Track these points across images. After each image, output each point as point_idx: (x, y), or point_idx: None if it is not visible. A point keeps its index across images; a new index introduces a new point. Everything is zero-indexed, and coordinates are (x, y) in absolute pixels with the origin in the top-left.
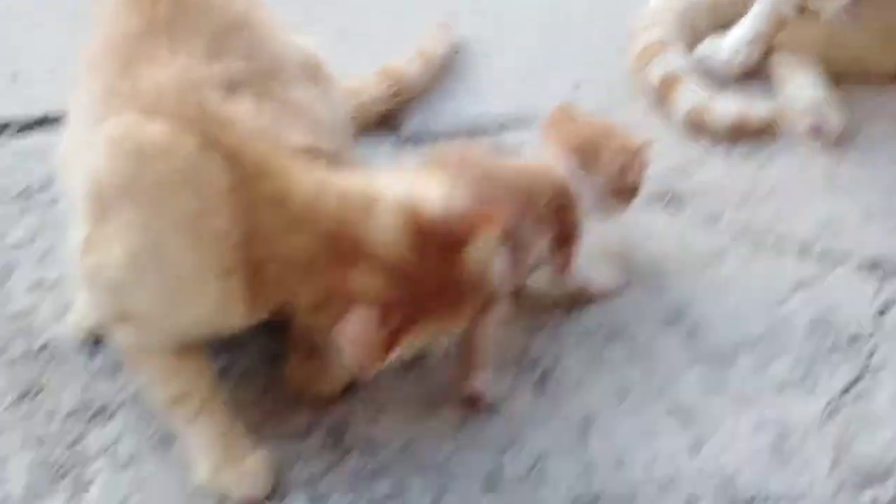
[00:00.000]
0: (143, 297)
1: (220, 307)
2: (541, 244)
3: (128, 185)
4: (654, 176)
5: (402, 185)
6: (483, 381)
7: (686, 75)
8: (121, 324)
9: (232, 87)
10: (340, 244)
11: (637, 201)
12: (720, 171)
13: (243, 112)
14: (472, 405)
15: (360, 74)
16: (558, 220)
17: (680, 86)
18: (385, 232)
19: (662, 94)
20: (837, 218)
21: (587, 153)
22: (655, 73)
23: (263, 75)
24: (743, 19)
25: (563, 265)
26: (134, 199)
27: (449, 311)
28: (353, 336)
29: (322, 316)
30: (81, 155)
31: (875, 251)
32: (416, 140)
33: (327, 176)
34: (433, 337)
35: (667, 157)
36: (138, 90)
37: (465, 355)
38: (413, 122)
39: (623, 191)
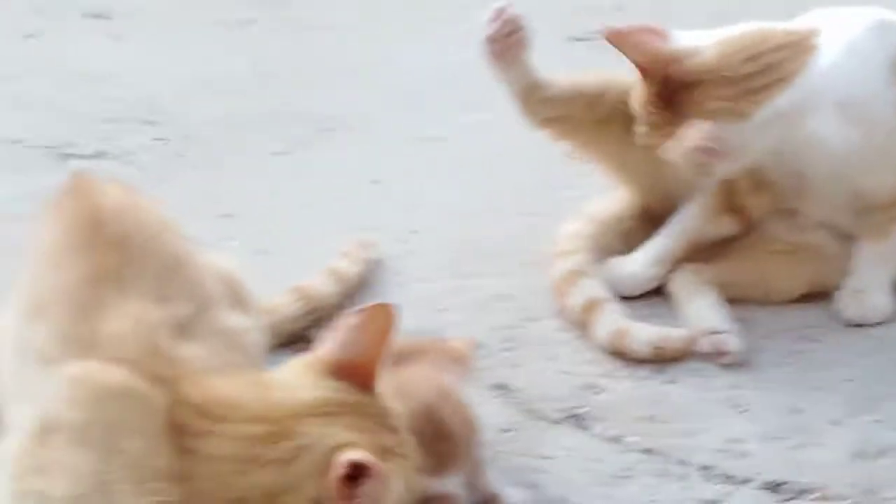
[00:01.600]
0: None
1: None
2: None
3: (82, 428)
4: (562, 394)
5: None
6: None
7: (605, 301)
8: None
9: (181, 329)
10: (271, 419)
11: None
12: (625, 390)
13: (195, 357)
14: None
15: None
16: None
17: (599, 312)
18: (301, 382)
19: (584, 320)
20: (739, 439)
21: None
22: (575, 300)
23: (203, 310)
24: (652, 239)
25: (475, 469)
26: (86, 442)
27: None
28: None
29: None
30: (23, 382)
31: (776, 473)
32: None
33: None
34: None
35: (575, 375)
36: (97, 338)
37: None
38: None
39: None
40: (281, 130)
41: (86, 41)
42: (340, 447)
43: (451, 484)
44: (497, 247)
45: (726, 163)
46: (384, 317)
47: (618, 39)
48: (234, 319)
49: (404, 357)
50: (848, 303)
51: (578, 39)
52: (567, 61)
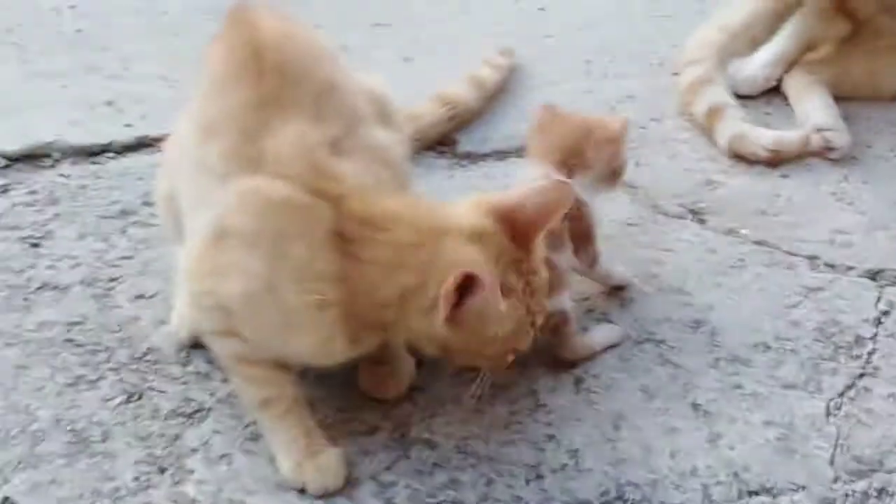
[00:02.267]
0: (254, 327)
1: (323, 341)
2: (563, 248)
3: (252, 236)
4: (683, 190)
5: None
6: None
7: (728, 107)
8: (225, 338)
9: (335, 145)
10: (424, 231)
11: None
12: (741, 186)
13: (349, 170)
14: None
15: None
16: (572, 225)
17: (722, 117)
18: (465, 212)
19: (708, 125)
20: (845, 230)
21: (575, 157)
22: (700, 107)
23: (353, 128)
24: (769, 42)
25: (588, 259)
26: (256, 247)
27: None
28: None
29: (419, 309)
30: (198, 193)
31: (877, 261)
32: (469, 160)
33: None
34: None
35: (695, 172)
36: (263, 156)
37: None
38: (466, 144)
39: (614, 173)
40: None
41: None
42: (467, 263)
43: (561, 302)
44: (626, 50)
45: None
46: (562, 195)
47: None
48: (381, 135)
49: (571, 153)
50: None
51: None
52: None
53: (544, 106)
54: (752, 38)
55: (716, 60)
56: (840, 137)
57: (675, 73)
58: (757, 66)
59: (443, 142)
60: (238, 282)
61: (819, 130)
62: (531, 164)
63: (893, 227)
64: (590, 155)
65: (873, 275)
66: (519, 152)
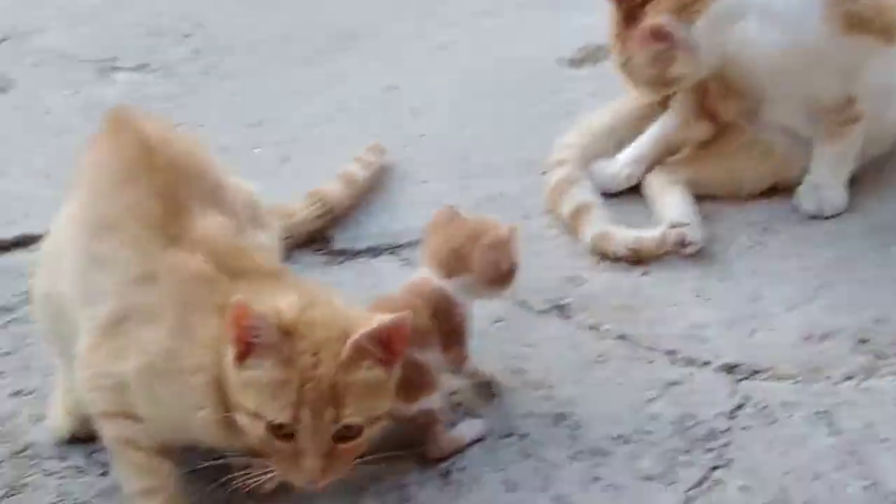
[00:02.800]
0: (149, 401)
1: (195, 407)
2: (432, 348)
3: (158, 308)
4: (548, 286)
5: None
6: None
7: (591, 207)
8: (116, 419)
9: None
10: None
11: (517, 280)
12: (604, 283)
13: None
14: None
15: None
16: (441, 325)
17: (586, 217)
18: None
19: (573, 224)
20: (702, 325)
21: (458, 259)
22: (566, 206)
23: (241, 227)
24: (633, 142)
25: (456, 359)
26: (159, 319)
27: None
28: None
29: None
30: (90, 288)
31: (733, 355)
32: (343, 256)
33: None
34: None
35: (561, 269)
36: (173, 238)
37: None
38: (340, 240)
39: (501, 277)
40: (305, 42)
41: None
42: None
43: (431, 402)
44: (498, 149)
45: (680, 60)
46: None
47: None
48: (258, 238)
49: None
50: (806, 197)
51: None
52: None
53: (444, 207)
54: (617, 139)
55: (580, 161)
56: (694, 233)
57: (543, 173)
58: (619, 165)
59: (317, 239)
60: (138, 357)
61: (674, 226)
62: (420, 263)
63: (749, 322)
64: (474, 258)
65: (729, 369)
66: (392, 249)
